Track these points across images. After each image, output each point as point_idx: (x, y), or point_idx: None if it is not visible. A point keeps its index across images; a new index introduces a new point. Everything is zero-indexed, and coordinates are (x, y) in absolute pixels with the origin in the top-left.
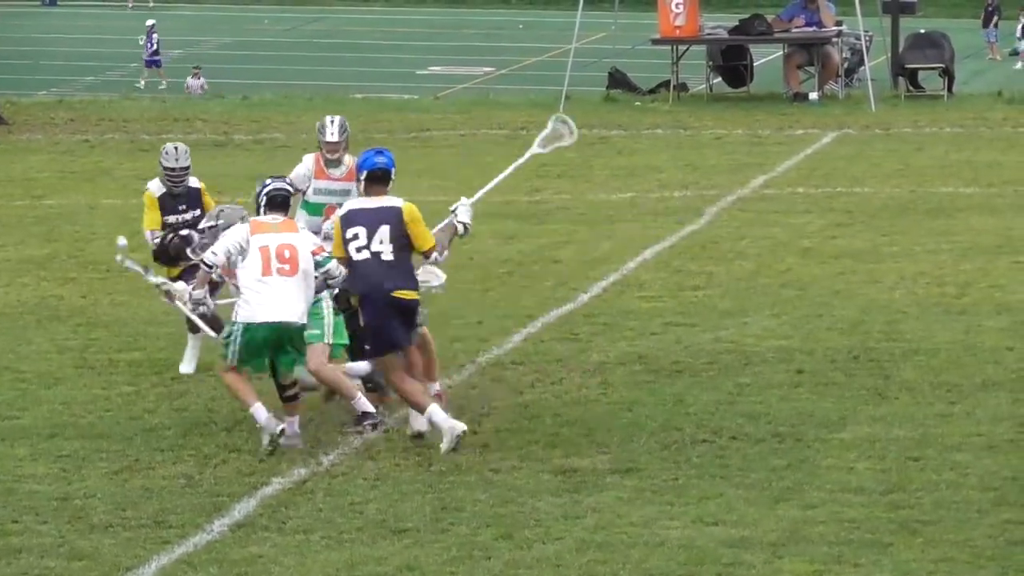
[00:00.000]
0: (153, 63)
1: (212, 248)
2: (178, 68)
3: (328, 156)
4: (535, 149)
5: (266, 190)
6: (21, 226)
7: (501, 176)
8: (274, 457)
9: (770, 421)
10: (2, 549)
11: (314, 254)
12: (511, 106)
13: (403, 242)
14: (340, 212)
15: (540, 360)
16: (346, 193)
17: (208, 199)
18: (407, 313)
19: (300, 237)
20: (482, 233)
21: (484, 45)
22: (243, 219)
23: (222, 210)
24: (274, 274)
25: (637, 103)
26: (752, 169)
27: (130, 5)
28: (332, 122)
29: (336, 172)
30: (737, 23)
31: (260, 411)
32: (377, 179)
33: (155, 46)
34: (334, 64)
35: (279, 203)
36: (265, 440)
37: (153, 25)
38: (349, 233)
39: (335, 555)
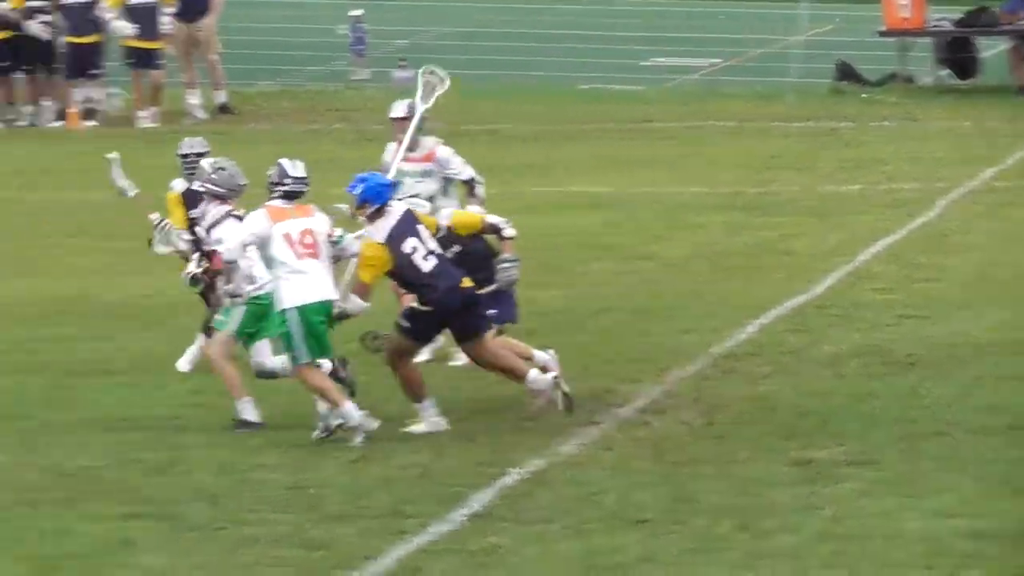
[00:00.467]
0: (357, 52)
1: (225, 243)
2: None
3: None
4: (420, 107)
5: (286, 187)
6: None
7: (403, 146)
8: (512, 448)
9: (1007, 414)
10: (238, 539)
11: (328, 236)
12: (736, 97)
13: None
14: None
15: (773, 351)
16: (424, 175)
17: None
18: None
19: (316, 220)
20: (712, 224)
21: (709, 36)
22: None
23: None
24: (305, 258)
25: (864, 95)
26: (981, 161)
27: None
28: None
29: (413, 155)
30: (963, 15)
31: (352, 409)
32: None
33: (360, 35)
34: (557, 55)
35: (295, 197)
36: (359, 438)
37: (360, 15)
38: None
39: (574, 545)
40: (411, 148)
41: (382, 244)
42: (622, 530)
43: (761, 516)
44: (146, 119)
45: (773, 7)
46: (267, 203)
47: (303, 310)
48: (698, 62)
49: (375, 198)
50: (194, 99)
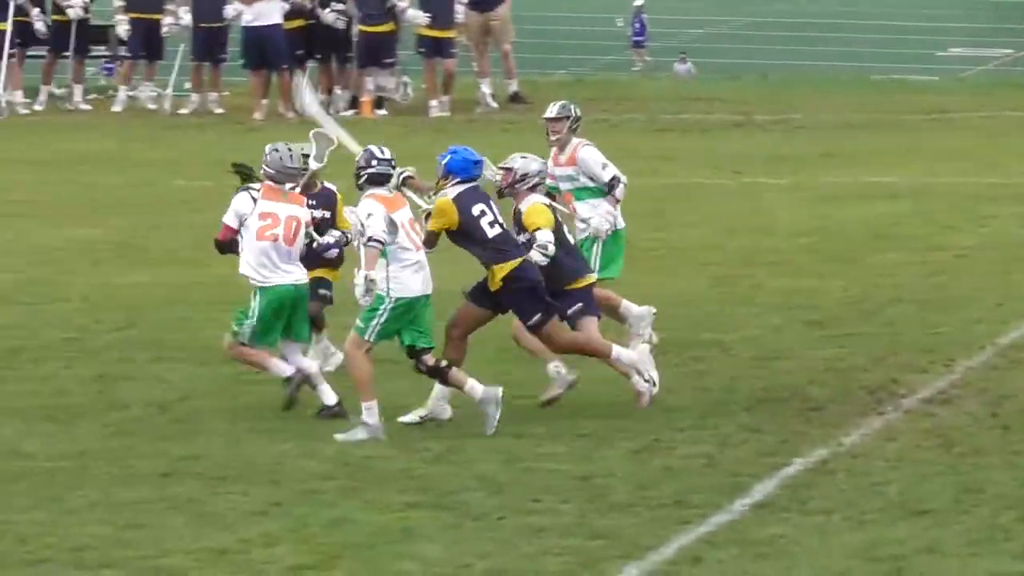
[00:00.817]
0: (637, 44)
1: (370, 226)
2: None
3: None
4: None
5: (373, 169)
6: None
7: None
8: (795, 439)
9: None
10: (524, 528)
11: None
12: None
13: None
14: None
15: None
16: (570, 179)
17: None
18: None
19: (408, 212)
20: (1003, 216)
21: (1003, 27)
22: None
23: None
24: (415, 247)
25: None
26: None
27: None
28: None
29: (561, 157)
30: None
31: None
32: None
33: (640, 26)
34: (848, 45)
35: (381, 182)
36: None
37: (641, 6)
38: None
39: (855, 536)
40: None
41: (451, 201)
42: (904, 521)
43: None
44: (437, 108)
45: None
46: (369, 192)
47: (400, 302)
48: (993, 52)
49: (460, 171)
50: (486, 88)
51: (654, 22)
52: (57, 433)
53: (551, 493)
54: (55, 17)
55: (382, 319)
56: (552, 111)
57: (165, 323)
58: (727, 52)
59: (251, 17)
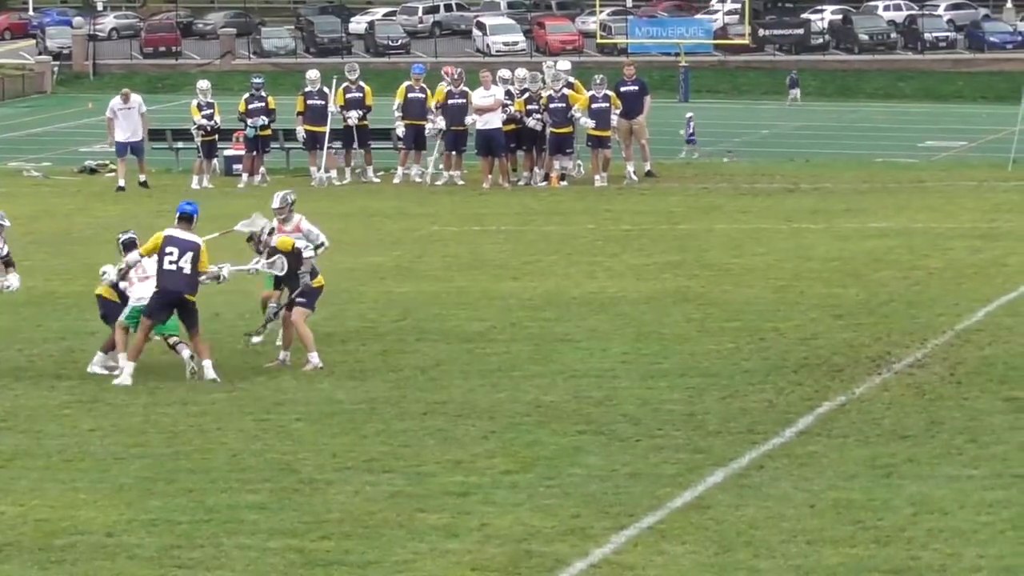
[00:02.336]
0: (691, 142)
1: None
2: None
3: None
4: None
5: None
6: (663, 241)
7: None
8: (824, 389)
9: None
10: (651, 446)
11: None
12: None
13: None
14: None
15: None
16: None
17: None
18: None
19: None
20: (958, 248)
21: (959, 128)
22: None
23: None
24: None
25: None
26: None
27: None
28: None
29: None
30: None
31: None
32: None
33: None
34: (860, 140)
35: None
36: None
37: (690, 117)
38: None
39: (862, 452)
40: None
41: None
42: (893, 442)
43: None
44: (599, 181)
45: None
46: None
47: None
48: (953, 143)
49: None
50: (630, 168)
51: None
52: (356, 387)
53: (669, 425)
54: (346, 124)
55: None
56: (276, 202)
57: (426, 317)
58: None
59: (483, 123)
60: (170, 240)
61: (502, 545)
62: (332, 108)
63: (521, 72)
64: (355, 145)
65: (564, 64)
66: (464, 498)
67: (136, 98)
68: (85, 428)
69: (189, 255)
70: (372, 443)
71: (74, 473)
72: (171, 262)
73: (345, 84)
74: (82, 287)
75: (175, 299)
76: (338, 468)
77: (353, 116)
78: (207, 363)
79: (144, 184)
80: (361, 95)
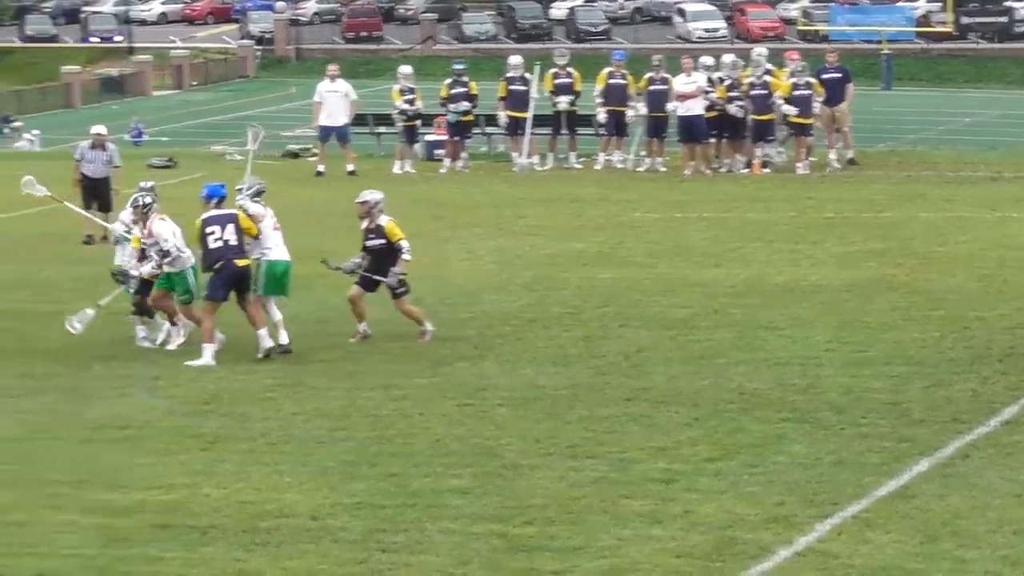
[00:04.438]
0: None
1: None
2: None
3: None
4: (252, 152)
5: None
6: (866, 229)
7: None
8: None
9: None
10: (856, 434)
11: None
12: None
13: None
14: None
15: None
16: None
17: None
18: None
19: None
20: None
21: None
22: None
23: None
24: None
25: None
26: None
27: None
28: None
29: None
30: None
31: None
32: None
33: None
34: None
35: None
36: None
37: None
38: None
39: None
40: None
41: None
42: None
43: None
44: (802, 168)
45: None
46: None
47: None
48: None
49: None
50: (832, 156)
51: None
52: (559, 372)
53: (873, 413)
54: (555, 110)
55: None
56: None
57: (628, 303)
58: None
59: (684, 110)
60: (207, 221)
61: (706, 532)
62: (534, 94)
63: (728, 58)
64: (563, 131)
65: (761, 50)
66: (668, 485)
67: (344, 83)
68: (288, 411)
69: (231, 226)
70: (575, 429)
71: (278, 456)
72: (216, 239)
73: (554, 70)
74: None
75: (236, 272)
76: (541, 454)
77: (563, 101)
78: (262, 332)
79: (352, 173)
80: (570, 81)
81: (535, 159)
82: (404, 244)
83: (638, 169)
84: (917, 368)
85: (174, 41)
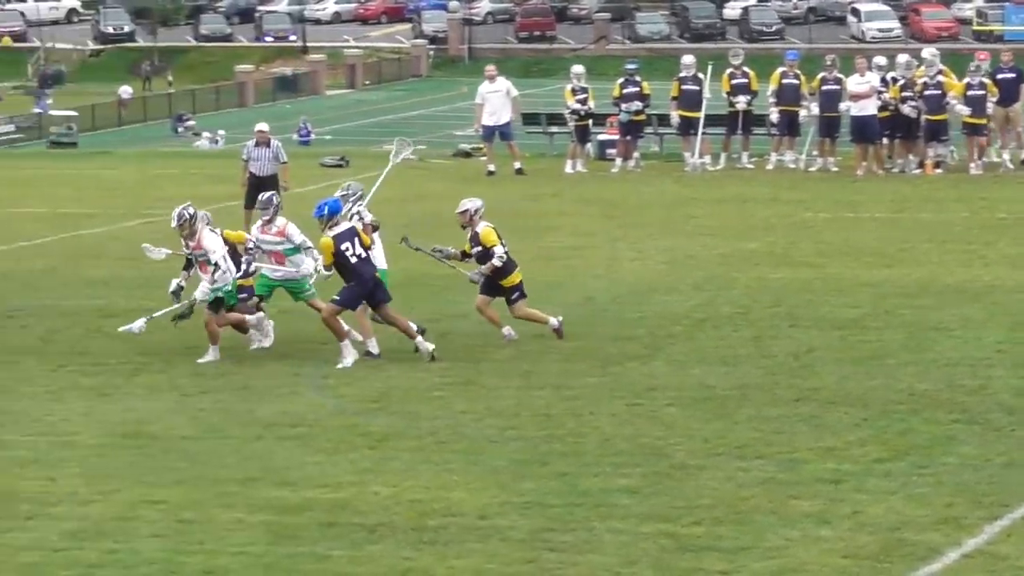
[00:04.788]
0: None
1: None
2: None
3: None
4: (392, 162)
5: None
6: None
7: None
8: None
9: None
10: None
11: None
12: None
13: None
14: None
15: None
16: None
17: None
18: None
19: None
20: None
21: None
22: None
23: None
24: None
25: None
26: None
27: None
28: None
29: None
30: None
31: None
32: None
33: None
34: None
35: None
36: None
37: None
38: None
39: None
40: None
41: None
42: None
43: None
44: (975, 168)
45: None
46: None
47: None
48: None
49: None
50: (1006, 156)
51: None
52: (728, 372)
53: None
54: (731, 110)
55: None
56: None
57: (798, 303)
58: None
59: (857, 110)
60: (339, 239)
61: (874, 533)
62: (706, 93)
63: (902, 58)
64: (738, 131)
65: (933, 49)
66: (836, 485)
67: (504, 81)
68: (458, 410)
69: (356, 239)
70: (743, 429)
71: (447, 455)
72: (353, 254)
73: (730, 70)
74: (450, 270)
75: (373, 283)
76: (709, 454)
77: (741, 101)
78: (371, 340)
79: (520, 171)
80: (747, 80)
81: (707, 159)
82: (497, 250)
83: (810, 169)
84: None
85: (347, 40)
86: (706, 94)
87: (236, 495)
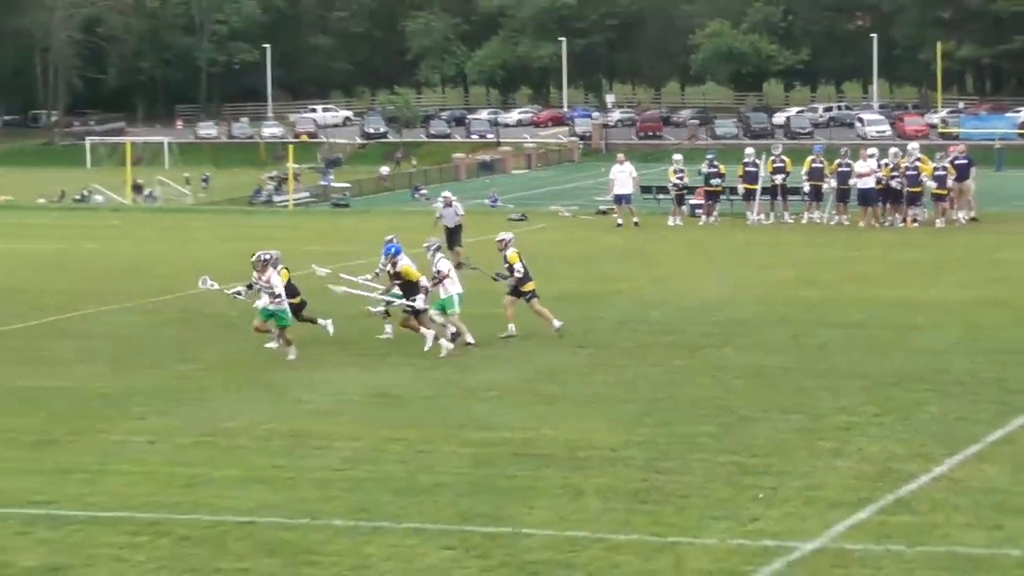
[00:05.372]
0: None
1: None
2: None
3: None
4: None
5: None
6: (982, 266)
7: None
8: None
9: None
10: None
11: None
12: None
13: None
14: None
15: None
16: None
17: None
18: None
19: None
20: None
21: None
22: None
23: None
24: None
25: None
26: None
27: None
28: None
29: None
30: None
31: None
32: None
33: None
34: None
35: None
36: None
37: None
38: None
39: None
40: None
41: None
42: None
43: None
44: None
45: None
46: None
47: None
48: None
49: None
50: None
51: None
52: (775, 357)
53: None
54: (772, 183)
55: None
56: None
57: (823, 312)
58: None
59: (862, 184)
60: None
61: (872, 464)
62: (761, 173)
63: (892, 150)
64: (778, 197)
65: (915, 144)
66: (847, 431)
67: (629, 164)
68: (598, 380)
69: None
70: (785, 394)
71: (589, 410)
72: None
73: (772, 157)
74: (598, 288)
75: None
76: (762, 410)
77: (779, 178)
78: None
79: (636, 224)
80: (783, 164)
81: (761, 216)
82: (516, 266)
83: (830, 223)
84: None
85: (526, 138)
86: (761, 173)
87: (452, 435)
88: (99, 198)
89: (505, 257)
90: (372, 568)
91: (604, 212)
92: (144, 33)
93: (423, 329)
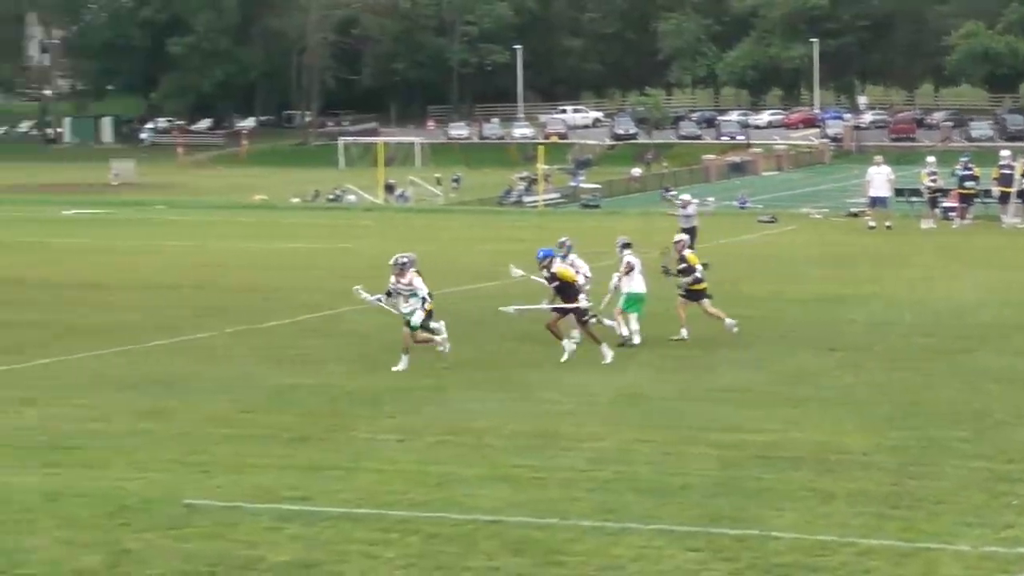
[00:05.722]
0: None
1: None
2: None
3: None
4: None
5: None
6: None
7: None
8: None
9: None
10: None
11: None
12: None
13: None
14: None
15: None
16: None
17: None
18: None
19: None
20: None
21: None
22: None
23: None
24: None
25: None
26: None
27: None
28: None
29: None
30: None
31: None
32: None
33: None
34: None
35: None
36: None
37: None
38: None
39: None
40: None
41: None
42: None
43: None
44: None
45: None
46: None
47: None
48: None
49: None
50: None
51: None
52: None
53: None
54: None
55: None
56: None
57: None
58: None
59: None
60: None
61: None
62: (1017, 175)
63: None
64: None
65: None
66: None
67: (886, 167)
68: (847, 383)
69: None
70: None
71: (841, 412)
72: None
73: None
74: (850, 290)
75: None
76: (1021, 415)
77: None
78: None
79: (889, 227)
80: None
81: (1017, 219)
82: (698, 267)
83: None
84: None
85: (776, 139)
86: (1016, 175)
87: (698, 437)
88: (352, 198)
89: (684, 258)
90: (620, 569)
91: (855, 214)
92: (398, 34)
93: (564, 341)
